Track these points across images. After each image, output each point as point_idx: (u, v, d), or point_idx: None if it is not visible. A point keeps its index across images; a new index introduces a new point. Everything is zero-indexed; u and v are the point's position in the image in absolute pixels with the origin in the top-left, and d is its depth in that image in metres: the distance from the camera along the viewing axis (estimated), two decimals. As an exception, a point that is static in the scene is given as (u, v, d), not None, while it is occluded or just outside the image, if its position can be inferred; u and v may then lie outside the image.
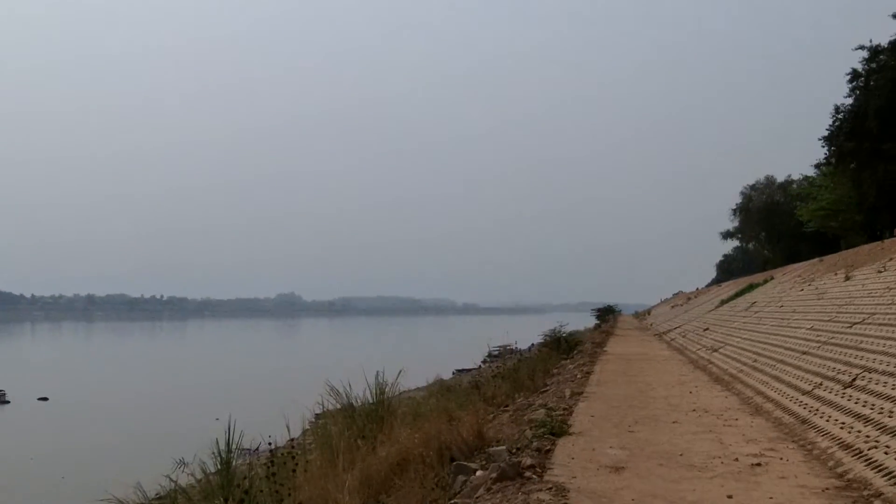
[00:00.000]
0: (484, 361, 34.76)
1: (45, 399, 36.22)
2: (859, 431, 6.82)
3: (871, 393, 7.93)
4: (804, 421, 8.15)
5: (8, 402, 35.77)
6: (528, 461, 6.37)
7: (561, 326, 27.73)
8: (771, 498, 5.30)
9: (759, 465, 6.39)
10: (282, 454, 9.52)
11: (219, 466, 9.63)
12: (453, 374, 31.95)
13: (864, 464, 5.93)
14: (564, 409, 10.03)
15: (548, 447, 7.24)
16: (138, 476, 10.45)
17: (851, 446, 6.50)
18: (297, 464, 8.62)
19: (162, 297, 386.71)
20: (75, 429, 28.51)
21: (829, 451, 6.69)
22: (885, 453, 5.93)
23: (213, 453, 9.80)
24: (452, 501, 6.02)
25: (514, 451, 7.10)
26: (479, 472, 6.63)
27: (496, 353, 36.63)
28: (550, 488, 5.54)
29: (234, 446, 9.98)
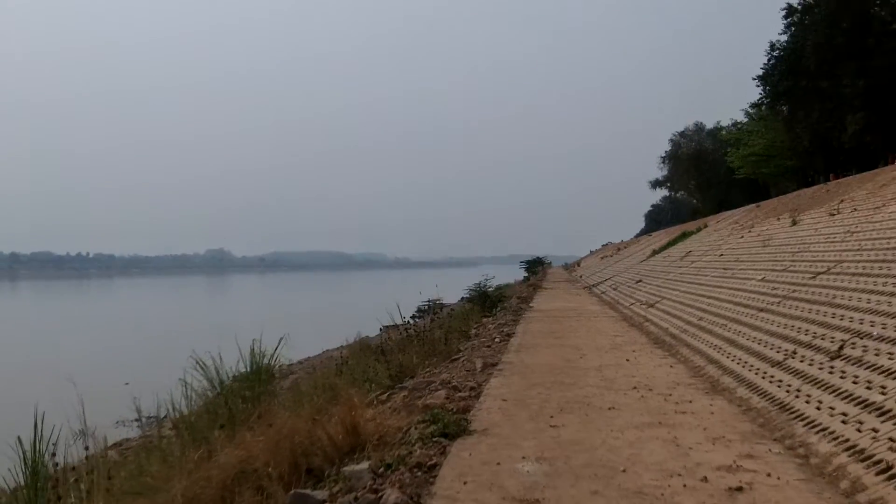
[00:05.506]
0: (413, 317, 32.80)
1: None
2: (876, 431, 4.73)
3: (876, 369, 5.83)
4: (784, 407, 6.07)
5: None
6: (394, 496, 4.10)
7: (486, 280, 25.83)
8: (779, 572, 3.17)
9: (739, 489, 4.26)
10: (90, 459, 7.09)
11: (25, 475, 7.28)
12: (380, 330, 29.77)
13: (905, 492, 3.85)
14: (471, 388, 7.80)
15: (433, 460, 4.97)
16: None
17: (871, 456, 4.41)
18: (93, 476, 6.16)
19: (88, 254, 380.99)
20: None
21: (835, 459, 4.61)
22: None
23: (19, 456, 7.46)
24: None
25: (380, 469, 4.82)
26: (323, 510, 4.36)
27: (425, 307, 34.72)
28: (413, 562, 3.29)
29: (42, 447, 7.62)
